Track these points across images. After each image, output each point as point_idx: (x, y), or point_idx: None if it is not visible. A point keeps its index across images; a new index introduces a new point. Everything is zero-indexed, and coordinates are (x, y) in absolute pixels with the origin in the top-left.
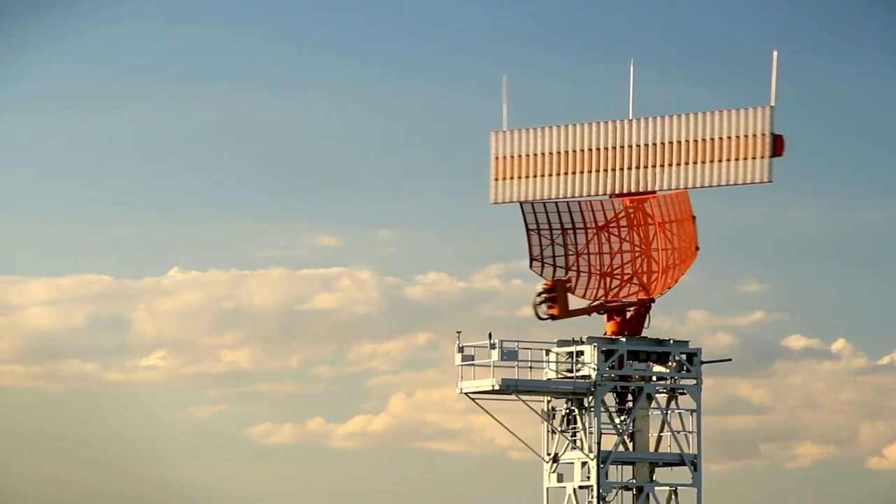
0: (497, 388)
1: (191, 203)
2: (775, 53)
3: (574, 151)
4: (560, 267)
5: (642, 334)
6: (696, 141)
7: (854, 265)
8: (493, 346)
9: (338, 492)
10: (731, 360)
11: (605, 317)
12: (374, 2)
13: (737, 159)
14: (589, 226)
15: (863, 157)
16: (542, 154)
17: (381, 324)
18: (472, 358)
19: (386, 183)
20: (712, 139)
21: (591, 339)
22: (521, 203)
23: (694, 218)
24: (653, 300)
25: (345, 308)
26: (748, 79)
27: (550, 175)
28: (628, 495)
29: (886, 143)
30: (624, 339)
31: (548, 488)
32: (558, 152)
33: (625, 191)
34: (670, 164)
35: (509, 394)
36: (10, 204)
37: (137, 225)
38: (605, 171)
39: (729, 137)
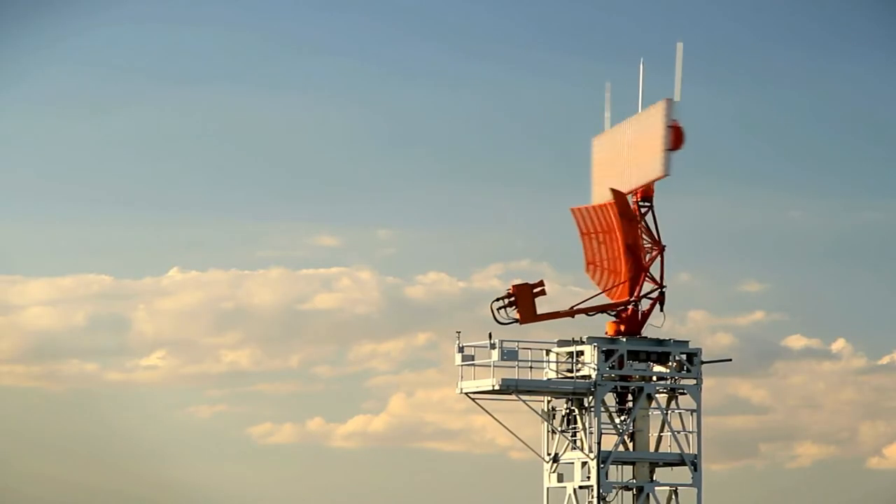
0: (497, 388)
1: (191, 203)
2: (679, 45)
3: None
4: (606, 269)
5: (642, 334)
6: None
7: (854, 265)
8: (493, 346)
9: (338, 492)
10: (731, 360)
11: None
12: (374, 2)
13: (639, 161)
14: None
15: (863, 157)
16: None
17: (381, 324)
18: (473, 358)
19: (386, 183)
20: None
21: (591, 339)
22: (570, 209)
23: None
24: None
25: (345, 308)
26: (749, 79)
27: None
28: (628, 495)
29: (886, 143)
30: (624, 340)
31: (548, 488)
32: None
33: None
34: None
35: (509, 394)
36: (10, 204)
37: (137, 225)
38: None
39: (634, 140)
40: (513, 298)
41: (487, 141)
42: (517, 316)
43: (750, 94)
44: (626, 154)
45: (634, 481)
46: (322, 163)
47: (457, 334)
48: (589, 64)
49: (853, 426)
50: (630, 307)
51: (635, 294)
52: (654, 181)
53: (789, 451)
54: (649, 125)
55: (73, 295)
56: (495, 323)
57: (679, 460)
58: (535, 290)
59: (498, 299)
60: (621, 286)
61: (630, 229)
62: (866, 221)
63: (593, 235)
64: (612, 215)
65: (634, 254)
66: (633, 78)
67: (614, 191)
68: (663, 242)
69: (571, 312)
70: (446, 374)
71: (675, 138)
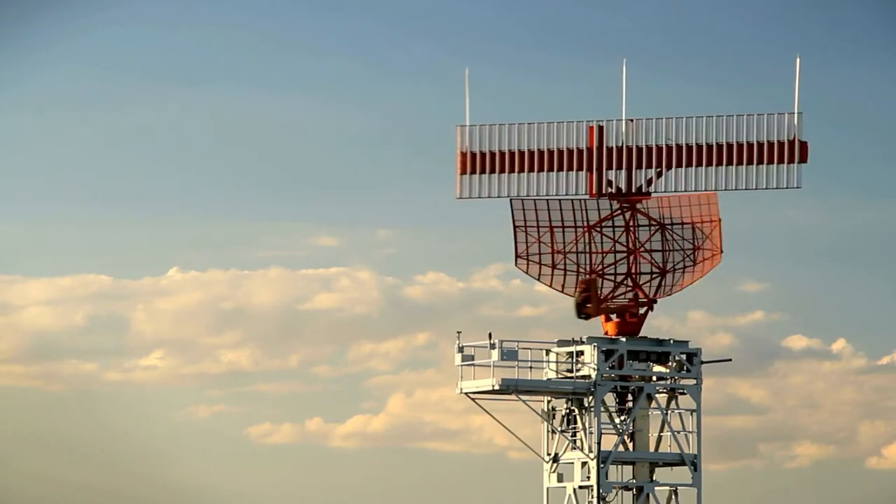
0: (497, 388)
1: (191, 203)
2: (798, 60)
3: (563, 150)
4: (545, 265)
5: (641, 334)
6: (720, 144)
7: (854, 265)
8: (493, 346)
9: (337, 492)
10: (731, 360)
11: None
12: (374, 2)
13: (769, 163)
14: (579, 225)
15: (863, 157)
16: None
17: (380, 324)
18: (472, 358)
19: (386, 183)
20: (740, 143)
21: (591, 339)
22: (510, 199)
23: (720, 220)
24: (655, 301)
25: (344, 308)
26: (747, 78)
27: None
28: (628, 495)
29: (886, 143)
30: (624, 340)
31: (548, 488)
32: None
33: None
34: (693, 165)
35: (509, 394)
36: (10, 204)
37: (137, 225)
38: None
39: (760, 143)
40: (589, 293)
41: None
42: (588, 311)
43: (750, 94)
44: None
45: (634, 481)
46: (322, 163)
47: (457, 334)
48: (589, 64)
49: (852, 426)
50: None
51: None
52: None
53: (788, 451)
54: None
55: (72, 295)
56: (577, 319)
57: (679, 460)
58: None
59: (582, 292)
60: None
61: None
62: (866, 221)
63: (531, 229)
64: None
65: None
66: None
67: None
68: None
69: (629, 307)
70: (446, 375)
71: (804, 152)
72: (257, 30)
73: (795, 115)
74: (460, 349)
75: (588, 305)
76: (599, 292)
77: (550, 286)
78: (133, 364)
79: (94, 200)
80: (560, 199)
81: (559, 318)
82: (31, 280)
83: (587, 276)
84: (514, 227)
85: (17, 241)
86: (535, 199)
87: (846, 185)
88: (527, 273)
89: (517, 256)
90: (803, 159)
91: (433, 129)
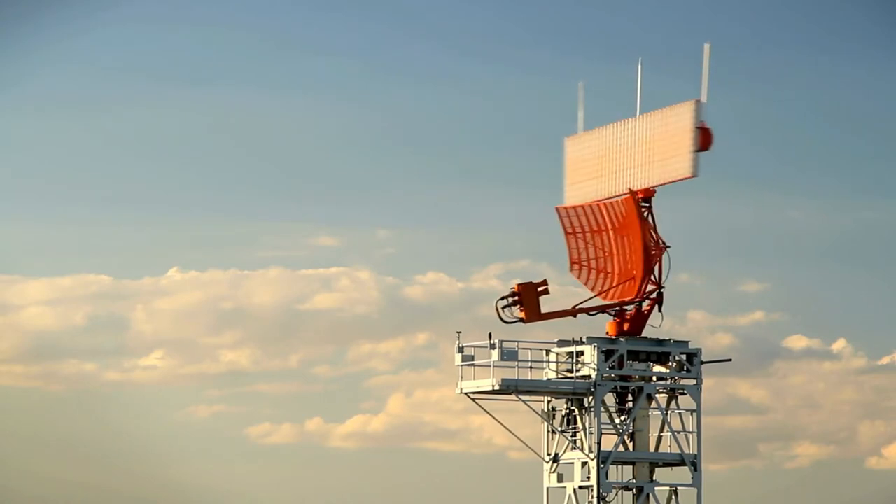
0: (497, 388)
1: (190, 203)
2: (707, 46)
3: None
4: (593, 269)
5: (642, 334)
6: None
7: (854, 265)
8: (493, 347)
9: (336, 492)
10: (731, 360)
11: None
12: (374, 2)
13: (663, 159)
14: (610, 227)
15: (862, 157)
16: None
17: (380, 324)
18: (473, 358)
19: (385, 183)
20: (641, 142)
21: (591, 339)
22: (556, 207)
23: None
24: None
25: (344, 308)
26: (748, 79)
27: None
28: (628, 495)
29: (886, 143)
30: (624, 340)
31: (548, 488)
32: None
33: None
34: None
35: (509, 394)
36: (10, 204)
37: (136, 225)
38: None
39: (658, 138)
40: (517, 297)
41: (487, 141)
42: (521, 315)
43: (749, 94)
44: (632, 154)
45: (634, 481)
46: (321, 163)
47: (457, 334)
48: (589, 64)
49: (852, 426)
50: (633, 307)
51: (640, 293)
52: (677, 181)
53: (788, 451)
54: (670, 125)
55: (72, 295)
56: (499, 322)
57: (679, 460)
58: (540, 290)
59: (503, 298)
60: (623, 286)
61: (644, 229)
62: (866, 221)
63: (580, 235)
64: (617, 214)
65: (647, 253)
66: (629, 77)
67: (631, 190)
68: (668, 243)
69: (574, 311)
70: (445, 375)
71: (704, 139)
72: (257, 30)
73: (694, 103)
74: (460, 349)
75: (521, 309)
76: (538, 298)
77: (602, 292)
78: (133, 364)
79: (94, 200)
80: (598, 203)
81: (559, 318)
82: (31, 280)
83: (524, 283)
84: (566, 233)
85: (17, 241)
86: (574, 207)
87: (846, 185)
88: (578, 279)
89: (573, 263)
90: (703, 147)
91: (433, 129)
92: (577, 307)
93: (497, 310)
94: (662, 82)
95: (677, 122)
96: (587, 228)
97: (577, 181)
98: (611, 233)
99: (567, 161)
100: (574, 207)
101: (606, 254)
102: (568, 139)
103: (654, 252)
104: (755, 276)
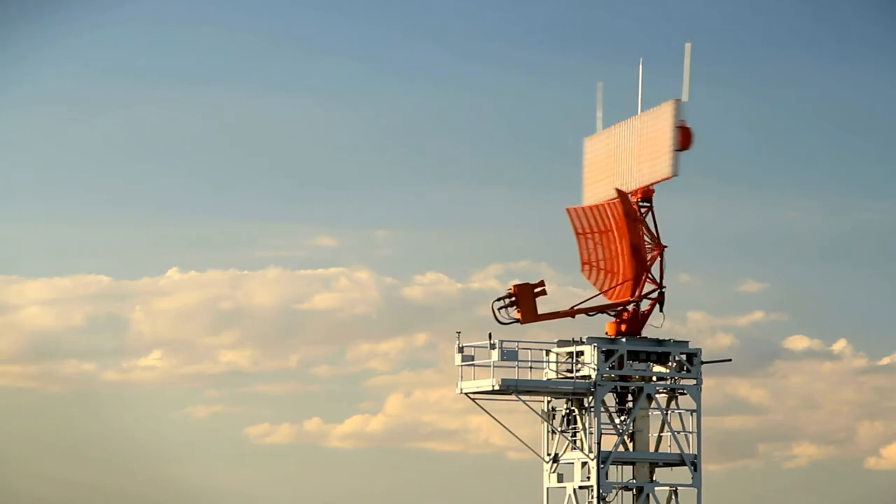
0: (497, 388)
1: (190, 203)
2: (688, 45)
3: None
4: (602, 269)
5: (642, 334)
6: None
7: (854, 265)
8: (493, 347)
9: (335, 492)
10: (731, 360)
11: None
12: (374, 2)
13: (649, 159)
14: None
15: (862, 157)
16: None
17: (379, 324)
18: (472, 358)
19: (385, 183)
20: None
21: (591, 339)
22: (566, 208)
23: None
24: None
25: (343, 308)
26: (749, 79)
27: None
28: (628, 495)
29: (885, 144)
30: (624, 340)
31: (548, 488)
32: None
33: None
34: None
35: (509, 394)
36: (9, 204)
37: (136, 225)
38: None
39: (645, 138)
40: (514, 298)
41: (486, 141)
42: (518, 316)
43: (750, 94)
44: (628, 154)
45: (634, 481)
46: (321, 163)
47: (457, 335)
48: (588, 64)
49: (851, 426)
50: (631, 307)
51: (637, 294)
52: (660, 181)
53: (787, 451)
54: (655, 125)
55: (71, 295)
56: (496, 323)
57: (679, 460)
58: (536, 290)
59: (499, 299)
60: (622, 286)
61: (635, 229)
62: (866, 221)
63: (589, 235)
64: (614, 215)
65: (639, 254)
66: (632, 78)
67: (619, 191)
68: (663, 243)
69: (572, 312)
70: (445, 375)
71: (684, 139)
72: (257, 30)
73: (674, 103)
74: (460, 349)
75: (513, 310)
76: (534, 299)
77: (610, 293)
78: (132, 364)
79: (93, 200)
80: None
81: (559, 318)
82: (30, 280)
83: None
84: (577, 234)
85: (16, 241)
86: (584, 208)
87: (846, 185)
88: (589, 279)
89: (584, 264)
90: (683, 146)
91: (432, 130)
92: (575, 308)
93: (493, 311)
94: (662, 82)
95: (658, 122)
96: (595, 229)
97: (592, 181)
98: (615, 233)
99: (585, 161)
100: (583, 208)
101: (613, 254)
102: (587, 139)
103: (652, 252)
104: (755, 276)
